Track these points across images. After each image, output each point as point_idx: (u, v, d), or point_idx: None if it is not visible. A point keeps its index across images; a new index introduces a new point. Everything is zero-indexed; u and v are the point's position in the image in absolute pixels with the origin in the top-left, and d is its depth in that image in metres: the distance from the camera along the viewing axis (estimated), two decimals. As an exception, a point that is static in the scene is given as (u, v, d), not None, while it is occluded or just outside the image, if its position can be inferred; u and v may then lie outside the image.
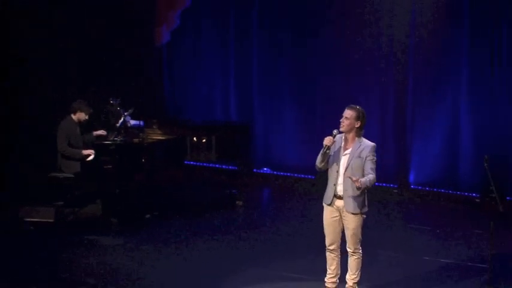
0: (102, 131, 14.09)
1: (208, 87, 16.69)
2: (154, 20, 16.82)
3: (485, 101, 14.59)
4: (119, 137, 13.78)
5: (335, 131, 9.89)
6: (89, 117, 14.00)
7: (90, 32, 16.11)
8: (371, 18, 15.10)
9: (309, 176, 14.23)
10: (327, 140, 9.81)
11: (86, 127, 14.23)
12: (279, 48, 16.25)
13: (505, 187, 11.90)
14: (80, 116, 13.78)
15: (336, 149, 9.99)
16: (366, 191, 10.03)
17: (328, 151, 9.89)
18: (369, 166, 9.86)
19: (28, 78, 15.18)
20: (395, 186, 14.64)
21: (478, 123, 14.66)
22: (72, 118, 13.77)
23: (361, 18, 15.04)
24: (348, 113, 9.85)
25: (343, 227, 10.09)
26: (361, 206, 9.98)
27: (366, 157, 9.88)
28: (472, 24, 14.54)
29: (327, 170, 10.13)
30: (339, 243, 10.18)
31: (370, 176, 9.85)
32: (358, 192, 9.88)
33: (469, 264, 11.46)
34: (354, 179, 9.63)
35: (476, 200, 13.75)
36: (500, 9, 14.31)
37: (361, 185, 9.66)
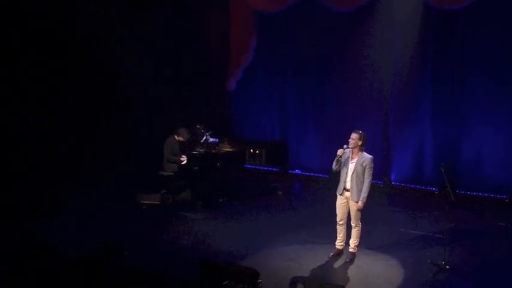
0: (183, 157, 14.05)
1: (260, 116, 16.56)
2: (227, 74, 16.71)
3: (442, 123, 14.38)
4: (202, 149, 14.08)
5: (345, 146, 10.41)
6: (184, 141, 14.25)
7: (181, 77, 16.02)
8: (365, 68, 14.81)
9: (326, 176, 14.33)
10: (340, 152, 10.41)
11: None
12: (305, 90, 16.06)
13: (455, 184, 11.96)
14: (180, 138, 14.13)
15: (346, 159, 10.43)
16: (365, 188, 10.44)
17: (340, 159, 10.42)
18: (368, 173, 10.36)
19: (142, 110, 15.00)
20: (381, 182, 14.68)
21: (438, 139, 14.51)
22: (175, 138, 14.11)
23: (359, 68, 14.81)
24: (353, 135, 10.37)
25: (349, 209, 10.59)
26: (360, 197, 10.36)
27: (366, 166, 10.33)
28: (434, 68, 14.33)
29: (339, 172, 10.58)
30: (346, 220, 10.68)
31: (364, 189, 10.35)
32: (360, 190, 10.35)
33: (431, 234, 11.66)
34: (359, 205, 10.33)
35: (436, 193, 13.75)
36: (452, 57, 14.08)
37: (362, 204, 10.36)
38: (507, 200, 13.60)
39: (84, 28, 14.10)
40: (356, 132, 10.40)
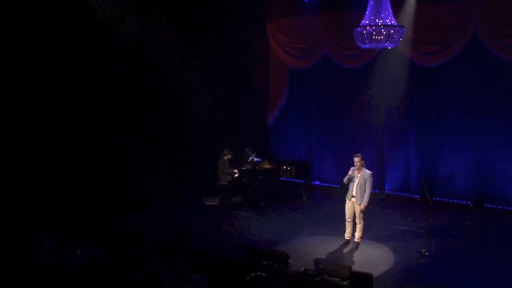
0: (236, 170, 14.00)
1: (290, 142, 16.16)
2: (267, 112, 16.56)
3: (423, 148, 14.10)
4: (249, 165, 13.97)
5: (352, 168, 10.48)
6: (231, 158, 14.12)
7: (235, 112, 15.79)
8: (367, 108, 14.52)
9: (338, 186, 14.27)
10: (350, 172, 10.48)
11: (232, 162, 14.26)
12: (323, 123, 15.68)
13: (432, 192, 11.81)
14: (228, 156, 14.02)
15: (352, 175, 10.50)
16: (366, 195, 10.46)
17: (350, 177, 10.48)
18: (369, 184, 10.43)
19: (207, 135, 14.44)
20: (378, 191, 14.10)
21: (420, 159, 14.16)
22: (224, 158, 14.02)
23: (362, 108, 14.51)
24: (356, 159, 10.50)
25: (355, 210, 10.60)
26: (363, 201, 10.39)
27: (367, 179, 10.39)
28: (417, 108, 14.09)
29: (348, 184, 10.60)
30: (352, 218, 10.69)
31: (366, 195, 10.37)
32: (362, 196, 10.38)
33: (414, 229, 11.54)
34: (362, 207, 10.41)
35: (418, 199, 13.58)
36: (431, 100, 13.84)
37: (364, 207, 10.43)
38: (471, 205, 13.39)
39: (176, 75, 13.92)
40: (357, 156, 10.52)
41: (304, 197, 14.49)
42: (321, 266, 9.13)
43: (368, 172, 10.49)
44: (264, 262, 8.97)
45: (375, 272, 9.06)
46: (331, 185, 15.33)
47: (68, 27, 11.92)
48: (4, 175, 11.24)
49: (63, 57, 11.98)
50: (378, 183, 13.85)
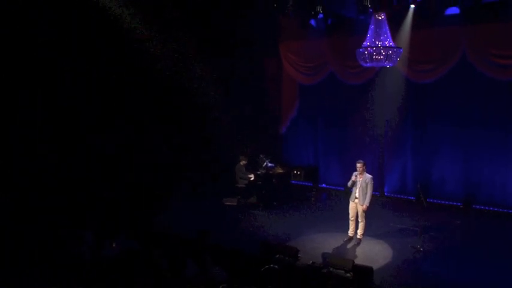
0: (252, 175, 13.97)
1: (300, 150, 16.02)
2: (280, 123, 16.29)
3: (418, 155, 13.97)
4: (264, 170, 13.96)
5: (355, 173, 10.48)
6: (246, 163, 14.13)
7: (252, 122, 15.25)
8: (368, 119, 14.46)
9: (342, 188, 14.22)
10: (353, 177, 10.47)
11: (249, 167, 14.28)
12: (329, 133, 15.53)
13: (426, 195, 11.78)
14: (243, 162, 14.02)
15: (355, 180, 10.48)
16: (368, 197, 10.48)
17: (354, 182, 10.47)
18: (369, 187, 10.43)
19: (227, 143, 14.10)
20: (377, 193, 13.82)
21: (415, 165, 14.06)
22: (240, 163, 14.04)
23: (364, 119, 14.45)
24: (358, 164, 10.54)
25: (357, 210, 10.58)
26: (365, 202, 10.41)
27: (368, 182, 10.40)
28: (413, 119, 14.01)
29: (351, 187, 10.60)
30: (355, 217, 10.66)
31: (367, 196, 10.38)
32: (364, 198, 10.39)
33: (410, 228, 11.46)
34: (363, 208, 10.43)
35: (414, 201, 13.56)
36: (425, 113, 13.79)
37: (366, 207, 10.45)
38: (461, 206, 13.23)
39: (203, 92, 13.98)
40: (359, 162, 10.53)
41: (312, 198, 14.37)
42: (327, 259, 9.20)
43: (369, 176, 10.48)
44: (277, 256, 8.93)
45: (375, 265, 9.07)
46: (336, 188, 15.25)
47: (103, 46, 11.99)
48: (47, 176, 11.16)
49: (99, 65, 12.03)
50: (377, 186, 13.76)
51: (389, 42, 10.73)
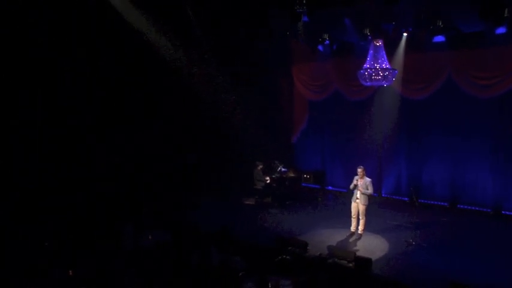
0: (268, 178, 13.74)
1: (310, 156, 15.85)
2: (292, 134, 16.09)
3: (412, 162, 13.72)
4: (278, 174, 13.82)
5: (356, 177, 10.36)
6: (262, 167, 13.87)
7: (268, 133, 14.72)
8: (368, 131, 14.07)
9: (345, 190, 14.11)
10: (355, 181, 10.35)
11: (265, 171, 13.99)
12: (335, 143, 15.23)
13: (418, 196, 11.65)
14: (259, 167, 13.79)
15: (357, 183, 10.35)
16: (367, 197, 10.39)
17: (355, 185, 10.34)
18: (370, 188, 10.32)
19: (247, 151, 13.95)
20: (376, 195, 13.89)
21: (409, 171, 13.77)
22: (257, 168, 13.84)
23: (364, 131, 13.99)
24: (359, 170, 10.41)
25: (358, 209, 10.43)
26: (365, 202, 10.30)
27: (368, 185, 10.27)
28: (407, 132, 13.71)
29: (353, 189, 10.49)
30: (357, 215, 10.50)
31: (368, 192, 10.28)
32: (364, 198, 10.28)
33: (404, 224, 11.35)
34: (364, 207, 10.31)
35: (407, 201, 13.45)
36: (418, 126, 13.52)
37: (365, 206, 10.33)
38: (448, 206, 13.06)
39: (226, 110, 14.01)
40: (360, 168, 10.43)
41: (320, 199, 14.13)
42: (332, 251, 9.11)
43: (368, 179, 10.37)
44: (289, 248, 8.93)
45: (374, 257, 9.02)
46: (340, 190, 14.98)
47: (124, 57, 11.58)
48: (47, 176, 10.49)
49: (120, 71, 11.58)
50: (376, 188, 13.34)
51: (386, 65, 10.70)
